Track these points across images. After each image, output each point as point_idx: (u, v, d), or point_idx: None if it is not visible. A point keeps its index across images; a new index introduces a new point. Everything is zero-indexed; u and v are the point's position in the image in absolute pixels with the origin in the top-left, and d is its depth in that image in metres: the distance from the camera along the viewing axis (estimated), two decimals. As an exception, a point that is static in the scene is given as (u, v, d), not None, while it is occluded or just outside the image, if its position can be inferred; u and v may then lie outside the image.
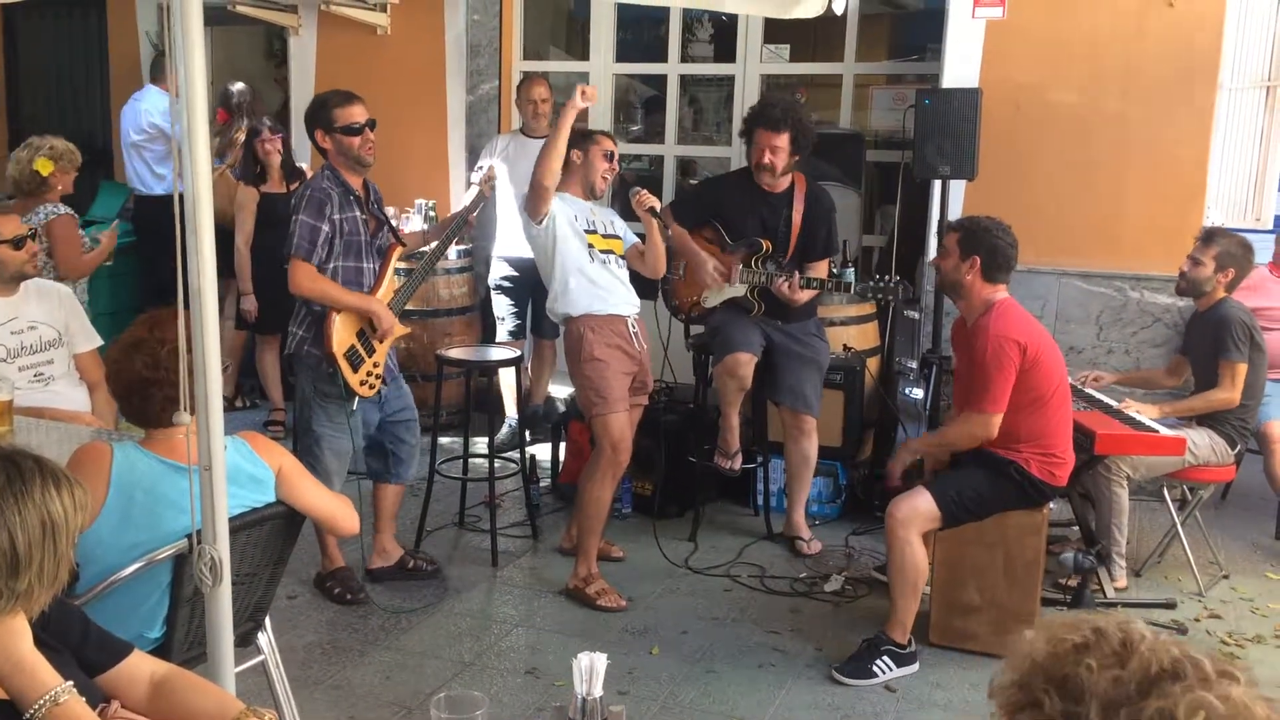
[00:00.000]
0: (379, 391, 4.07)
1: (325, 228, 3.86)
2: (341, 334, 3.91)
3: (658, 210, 4.30)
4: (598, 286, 4.23)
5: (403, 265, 4.50)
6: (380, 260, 4.10)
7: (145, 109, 6.50)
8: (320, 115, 3.97)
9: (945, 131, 5.00)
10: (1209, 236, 4.43)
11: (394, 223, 4.57)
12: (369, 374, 4.00)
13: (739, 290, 4.63)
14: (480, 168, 5.46)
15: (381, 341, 4.05)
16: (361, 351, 3.97)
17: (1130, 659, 1.06)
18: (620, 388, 4.20)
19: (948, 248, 3.80)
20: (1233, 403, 4.30)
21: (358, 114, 3.98)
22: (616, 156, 4.37)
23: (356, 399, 3.99)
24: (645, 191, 4.30)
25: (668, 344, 4.68)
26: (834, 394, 5.03)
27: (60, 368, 3.96)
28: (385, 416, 4.17)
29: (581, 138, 4.34)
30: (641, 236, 4.45)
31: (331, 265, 3.93)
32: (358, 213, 3.99)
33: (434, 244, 4.53)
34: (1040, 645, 1.13)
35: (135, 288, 6.45)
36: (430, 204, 6.33)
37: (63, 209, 4.92)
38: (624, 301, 4.28)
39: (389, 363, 4.15)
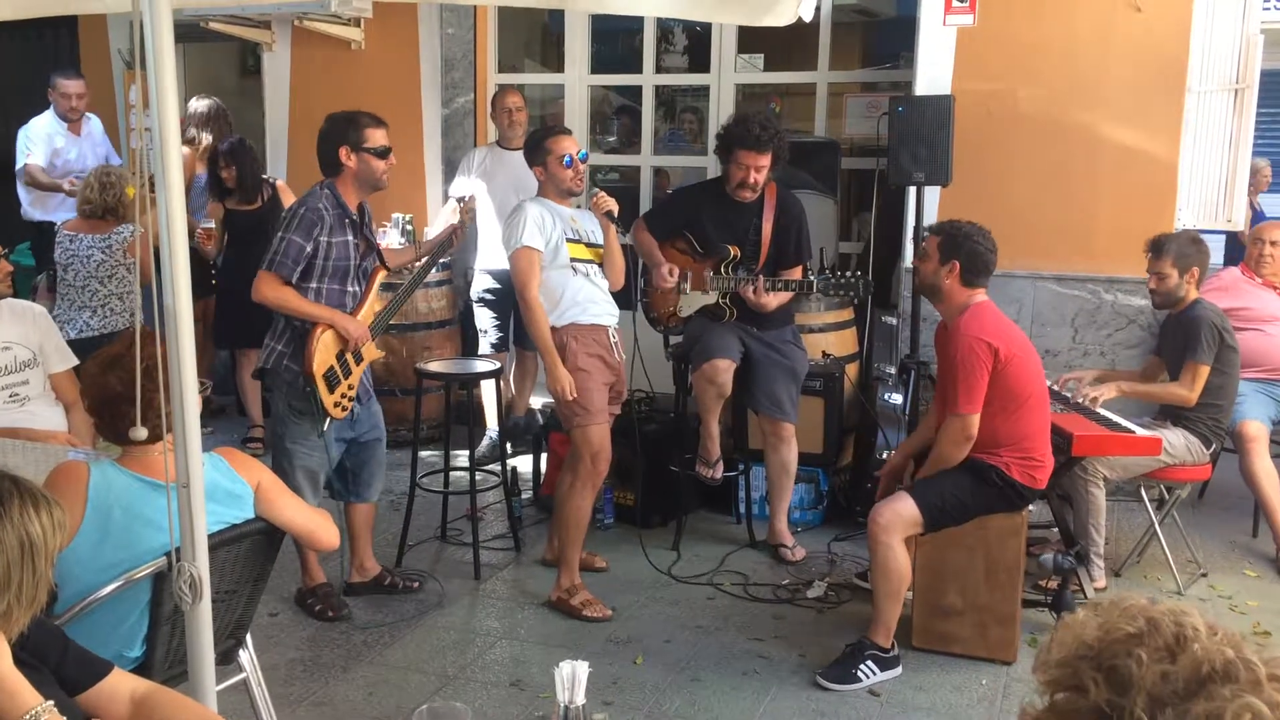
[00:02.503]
0: (352, 412, 4.05)
1: (309, 248, 3.84)
2: (323, 355, 3.88)
3: (614, 214, 4.24)
4: (580, 299, 4.21)
5: (386, 280, 4.48)
6: (365, 283, 4.09)
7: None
8: (350, 133, 3.92)
9: (919, 138, 5.03)
10: (1158, 246, 4.46)
11: (381, 245, 4.56)
12: (344, 396, 3.97)
13: (711, 297, 4.65)
14: (462, 197, 5.45)
15: (358, 363, 4.03)
16: (339, 373, 3.95)
17: (1181, 655, 1.04)
18: (602, 399, 4.20)
19: (928, 251, 3.83)
20: (1189, 401, 4.34)
21: (385, 138, 3.97)
22: (576, 158, 4.21)
23: (329, 420, 3.96)
24: (604, 193, 4.24)
25: (639, 352, 4.68)
26: (814, 401, 5.05)
27: (36, 388, 3.94)
28: (354, 436, 4.14)
29: (534, 149, 4.26)
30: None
31: (315, 286, 3.90)
32: (350, 237, 3.95)
33: (417, 267, 4.53)
34: (1092, 629, 1.10)
35: None
36: (407, 218, 6.33)
37: (139, 227, 5.26)
38: (605, 312, 4.27)
39: (364, 382, 4.14)
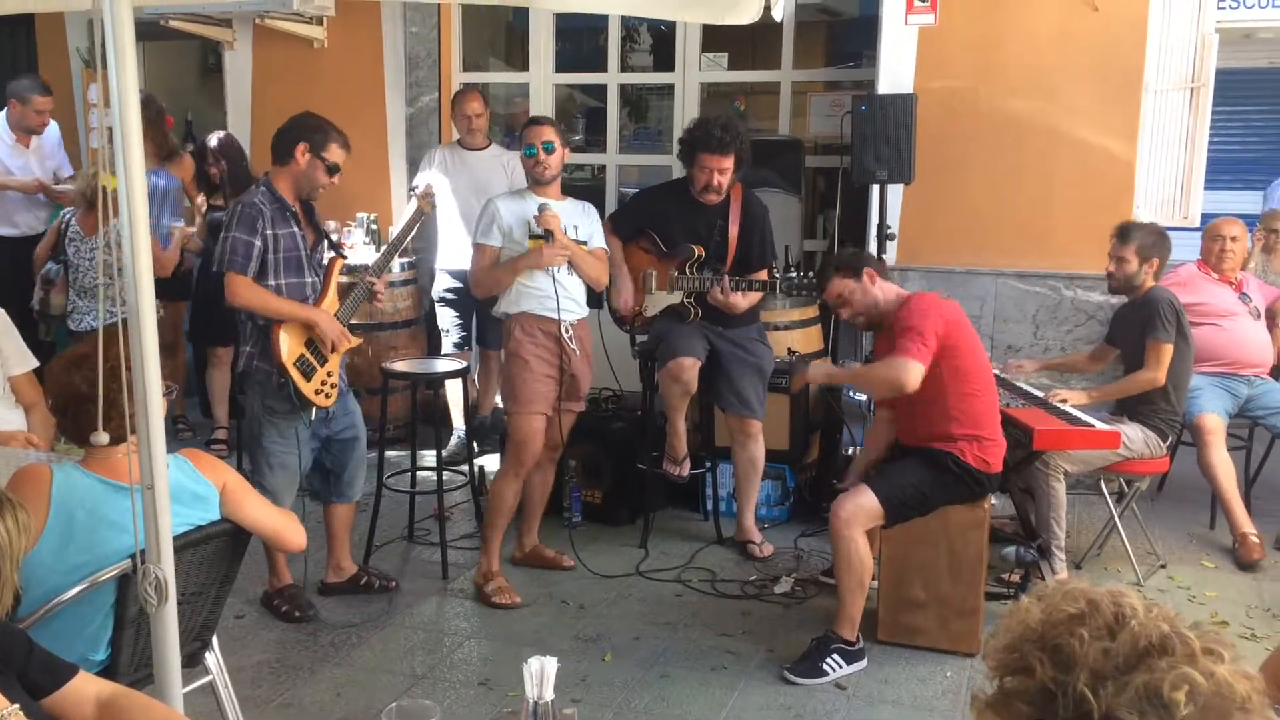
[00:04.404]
0: (326, 409, 4.03)
1: (258, 243, 3.84)
2: (289, 344, 3.88)
3: (550, 236, 4.17)
4: (535, 290, 4.25)
5: (345, 279, 4.47)
6: (323, 274, 4.08)
7: None
8: (316, 136, 3.92)
9: (882, 136, 5.07)
10: (1125, 232, 4.56)
11: (334, 236, 4.54)
12: (323, 383, 3.97)
13: (675, 297, 4.67)
14: (415, 186, 5.44)
15: (333, 351, 4.02)
16: (313, 360, 3.94)
17: (1120, 632, 1.09)
18: (534, 391, 4.23)
19: (844, 296, 3.94)
20: (1158, 382, 4.41)
21: (343, 160, 3.99)
22: (541, 148, 4.24)
23: (314, 409, 3.95)
24: (549, 213, 4.19)
25: (606, 351, 4.71)
26: (780, 398, 5.07)
27: (-5, 390, 3.89)
28: (330, 434, 4.14)
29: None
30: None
31: (274, 283, 3.89)
32: (295, 228, 3.95)
33: (375, 260, 4.51)
34: (1036, 613, 1.16)
35: None
36: (372, 217, 6.31)
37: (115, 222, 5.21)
38: (561, 307, 4.24)
39: (339, 378, 4.12)
